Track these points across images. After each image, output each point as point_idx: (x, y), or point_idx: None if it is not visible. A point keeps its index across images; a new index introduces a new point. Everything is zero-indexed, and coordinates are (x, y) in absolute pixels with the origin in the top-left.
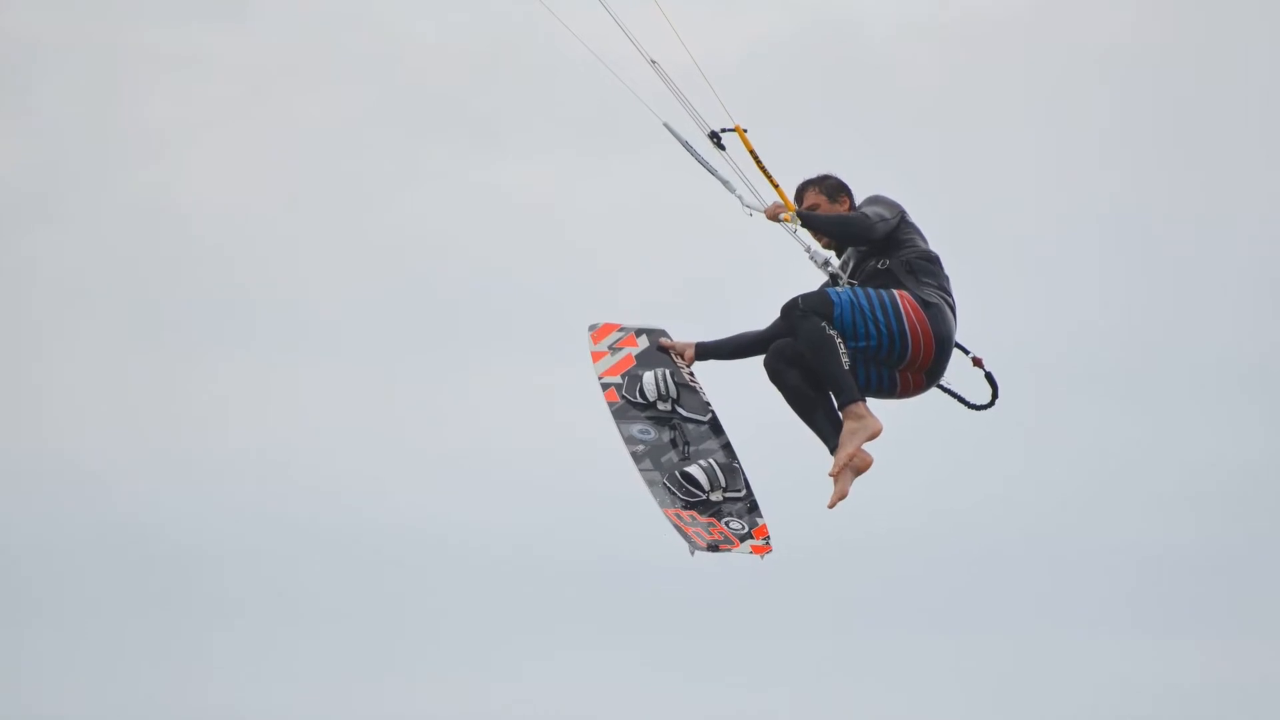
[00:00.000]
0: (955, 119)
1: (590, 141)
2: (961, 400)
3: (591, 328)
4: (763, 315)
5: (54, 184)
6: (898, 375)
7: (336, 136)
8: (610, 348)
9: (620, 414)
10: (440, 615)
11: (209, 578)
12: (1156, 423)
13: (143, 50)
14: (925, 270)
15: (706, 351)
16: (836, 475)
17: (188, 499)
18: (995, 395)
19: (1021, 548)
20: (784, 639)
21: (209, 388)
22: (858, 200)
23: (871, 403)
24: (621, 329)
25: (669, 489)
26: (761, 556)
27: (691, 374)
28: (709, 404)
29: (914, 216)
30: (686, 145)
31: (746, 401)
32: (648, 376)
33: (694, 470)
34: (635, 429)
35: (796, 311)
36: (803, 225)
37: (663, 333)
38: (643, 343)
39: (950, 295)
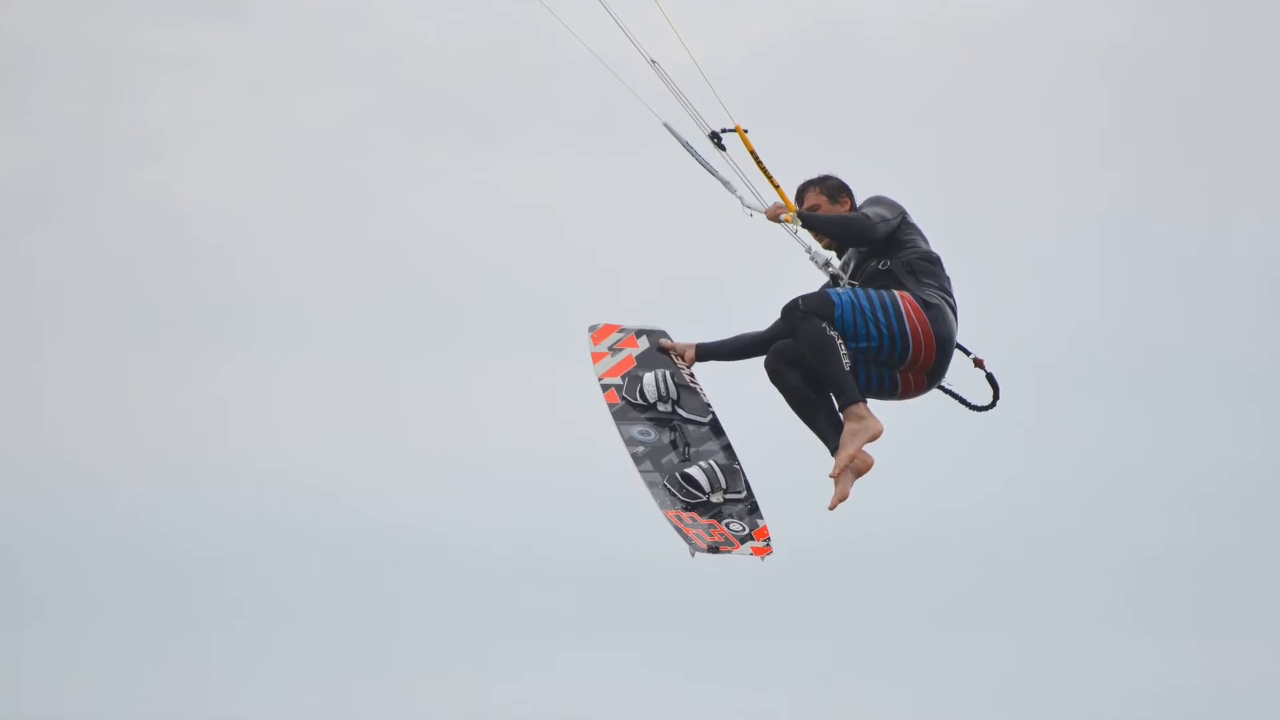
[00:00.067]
0: (955, 119)
1: (590, 141)
2: (963, 401)
3: (591, 329)
4: (763, 316)
5: (54, 184)
6: (899, 376)
7: (336, 136)
8: (610, 349)
9: (620, 415)
10: (440, 615)
11: (209, 578)
12: (1156, 423)
13: (143, 50)
14: (926, 271)
15: (707, 352)
16: (837, 477)
17: (188, 499)
18: (996, 396)
19: (1022, 548)
20: (784, 640)
21: (209, 388)
22: (859, 201)
23: (872, 404)
24: (622, 330)
25: (669, 490)
26: (762, 558)
27: (692, 375)
28: (709, 405)
29: (915, 217)
30: (687, 146)
31: (747, 403)
32: (648, 378)
33: (694, 472)
34: (635, 430)
35: (797, 312)
36: (803, 226)
37: (663, 334)
38: (643, 344)
39: (951, 296)
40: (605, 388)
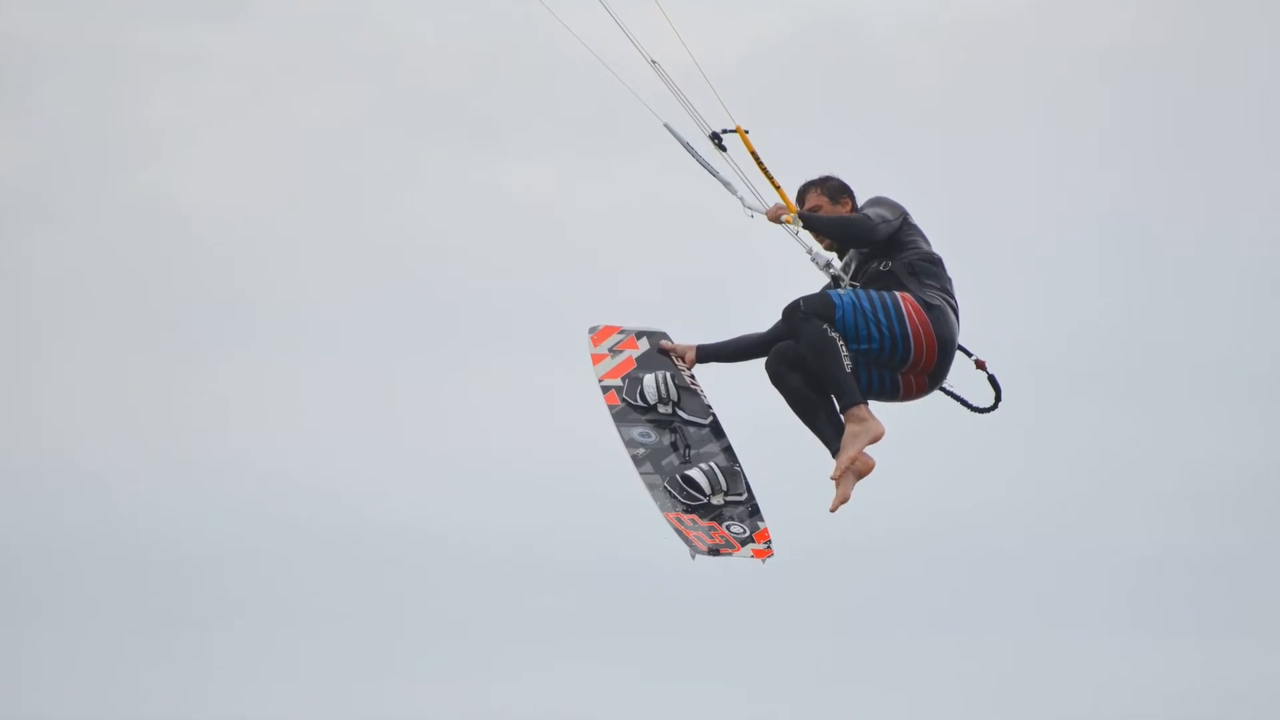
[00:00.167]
0: (955, 119)
1: (590, 141)
2: (964, 403)
3: (592, 330)
4: (764, 317)
5: (53, 184)
6: (900, 378)
7: (336, 136)
8: (610, 350)
9: (621, 417)
10: (440, 616)
11: (209, 578)
12: (1157, 423)
13: (142, 50)
14: (928, 272)
15: (707, 354)
16: (838, 478)
17: (187, 499)
18: (998, 398)
19: (1023, 550)
20: (785, 642)
21: (209, 388)
22: (860, 202)
23: (874, 406)
24: (622, 331)
25: (670, 492)
26: (763, 560)
27: (692, 377)
28: (710, 407)
29: (916, 218)
30: (688, 146)
31: (748, 404)
32: (648, 379)
33: (695, 473)
34: (636, 432)
35: (798, 314)
36: (804, 227)
37: (663, 335)
38: (643, 345)
39: (953, 297)
40: (605, 389)
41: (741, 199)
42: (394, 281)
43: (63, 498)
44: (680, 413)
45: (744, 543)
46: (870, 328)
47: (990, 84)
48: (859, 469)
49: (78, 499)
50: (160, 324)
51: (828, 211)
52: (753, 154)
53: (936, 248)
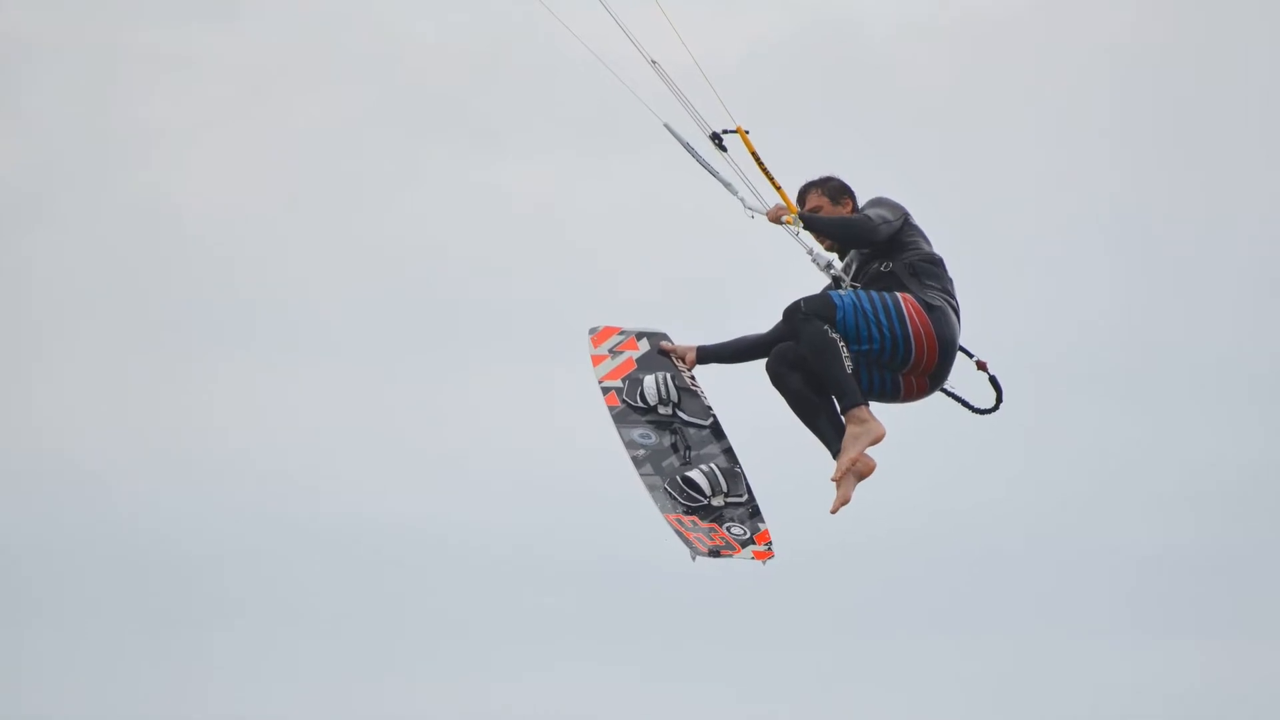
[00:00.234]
0: (956, 119)
1: (590, 141)
2: (965, 404)
3: (592, 331)
4: (764, 318)
5: (51, 184)
6: (901, 379)
7: (336, 136)
8: (610, 351)
9: (621, 418)
10: (439, 616)
11: (207, 578)
12: (1158, 424)
13: (141, 50)
14: (929, 273)
15: (708, 355)
16: (839, 480)
17: (187, 499)
18: (999, 399)
19: (1024, 551)
20: (786, 644)
21: (208, 388)
22: (861, 202)
23: (874, 407)
24: (622, 332)
25: (670, 494)
26: (763, 562)
27: (693, 378)
28: (710, 408)
29: (916, 218)
30: (688, 147)
31: (748, 405)
32: (649, 380)
33: (695, 475)
34: (636, 433)
35: (799, 314)
36: (805, 227)
37: (664, 336)
38: (643, 346)
39: (954, 298)
40: (605, 390)
41: (742, 199)
42: (394, 282)
43: (61, 497)
44: (680, 414)
45: (744, 544)
46: (871, 329)
47: (991, 84)
48: (860, 470)
49: (76, 499)
50: (159, 324)
51: (828, 212)
52: (753, 154)
53: (937, 248)
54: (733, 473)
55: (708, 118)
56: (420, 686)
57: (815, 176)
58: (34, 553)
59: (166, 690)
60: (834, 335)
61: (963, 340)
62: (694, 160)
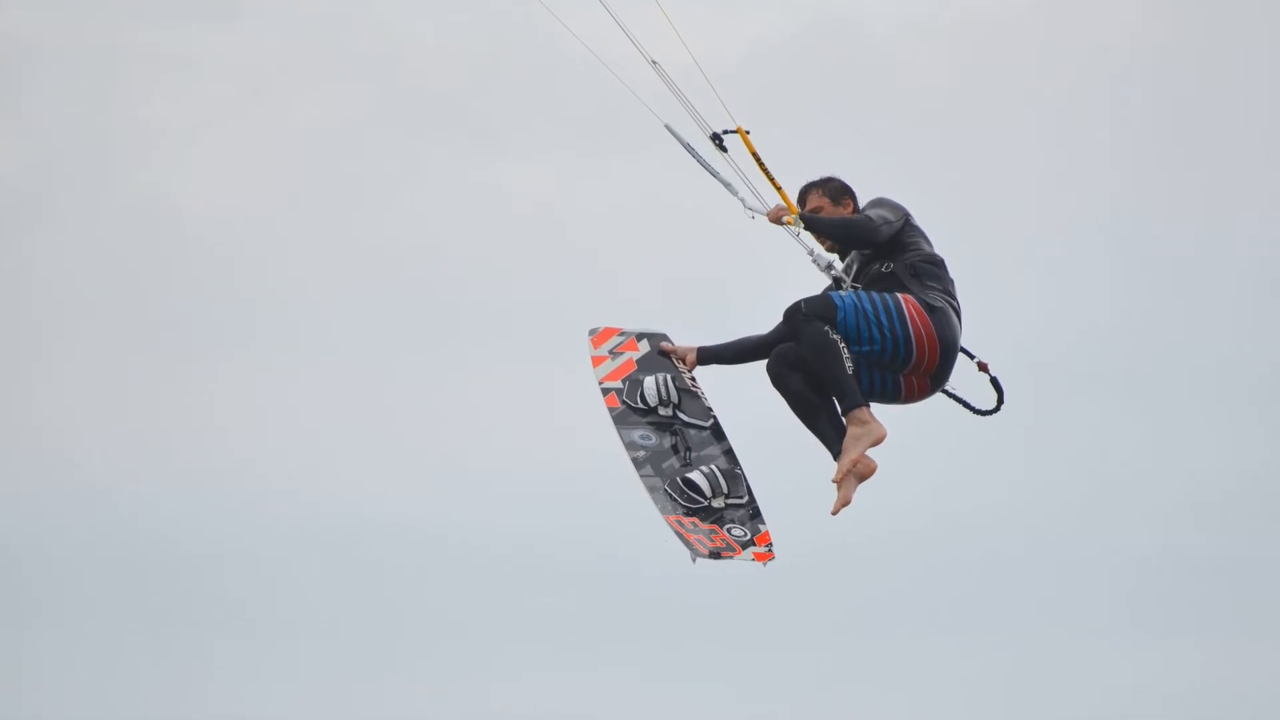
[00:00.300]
0: (956, 119)
1: (590, 141)
2: (966, 405)
3: (592, 332)
4: (765, 319)
5: (52, 184)
6: (902, 380)
7: (336, 136)
8: (611, 352)
9: (621, 419)
10: (439, 617)
11: (206, 578)
12: (1159, 425)
13: (141, 50)
14: (930, 274)
15: (708, 356)
16: (840, 481)
17: (186, 499)
18: (1000, 400)
19: (1026, 552)
20: (786, 645)
21: (208, 388)
22: (861, 203)
23: (875, 408)
24: (622, 333)
25: (670, 495)
26: (764, 564)
27: (693, 379)
28: (711, 409)
29: (917, 219)
30: (688, 148)
31: (749, 407)
32: (649, 381)
33: (695, 476)
34: (636, 434)
35: (799, 315)
36: (806, 228)
37: (664, 337)
38: (643, 347)
39: (955, 299)
40: (606, 391)
41: (742, 200)
42: (394, 282)
43: (61, 497)
44: (681, 415)
45: (745, 546)
46: (872, 329)
47: (991, 84)
48: (861, 472)
49: (76, 499)
50: (159, 325)
51: (829, 213)
52: (754, 155)
53: (938, 249)
54: (733, 474)
55: (708, 118)
56: (420, 686)
57: (816, 177)
58: (34, 552)
59: (166, 690)
60: (835, 336)
61: (964, 341)
62: (694, 161)
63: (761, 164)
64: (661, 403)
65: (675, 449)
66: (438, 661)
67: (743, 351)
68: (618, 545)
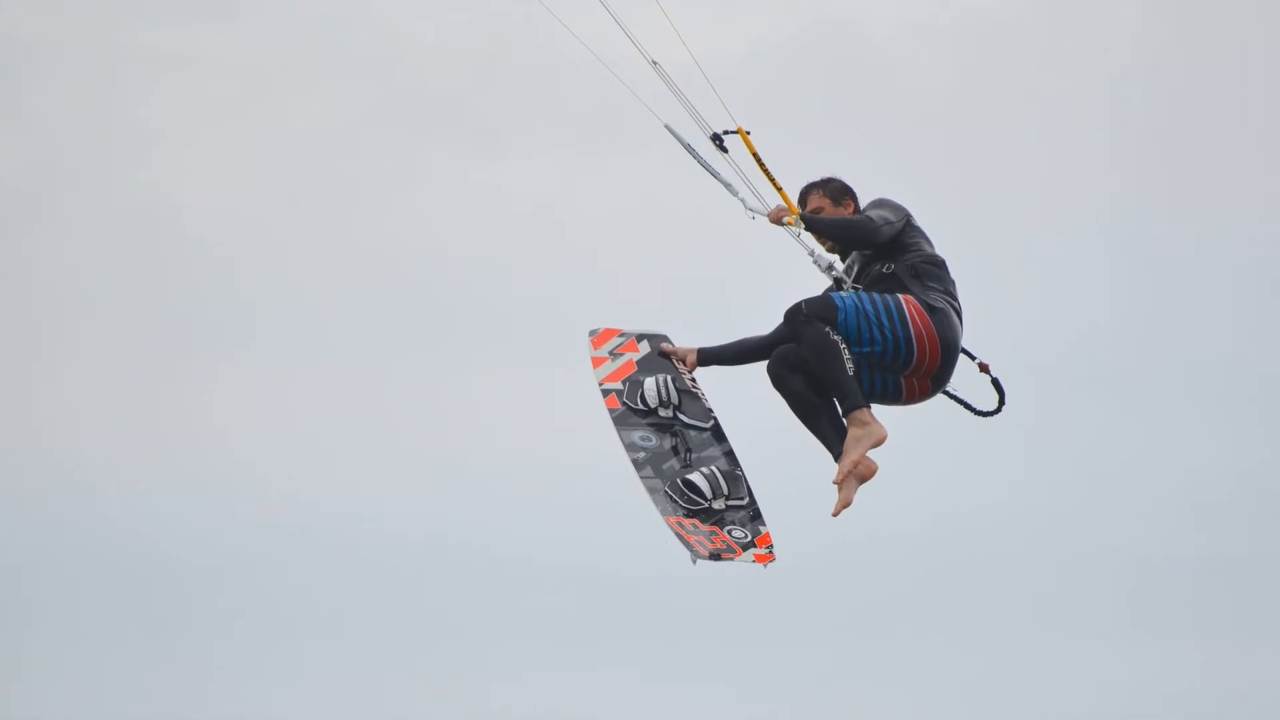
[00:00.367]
0: (956, 119)
1: (590, 141)
2: (968, 407)
3: (592, 333)
4: (765, 319)
5: (52, 184)
6: (903, 381)
7: (336, 136)
8: (611, 353)
9: (621, 421)
10: (439, 617)
11: (205, 578)
12: (1161, 426)
13: (141, 50)
14: (931, 274)
15: (709, 357)
16: (841, 483)
17: (186, 499)
18: (1002, 401)
19: (1026, 553)
20: (787, 647)
21: (208, 389)
22: (862, 203)
23: (876, 409)
24: (622, 334)
25: (670, 497)
26: (764, 565)
27: (693, 380)
28: (711, 410)
29: (918, 219)
30: (689, 148)
31: (749, 408)
32: (649, 383)
33: (696, 478)
34: (636, 436)
35: (800, 316)
36: (806, 229)
37: (664, 338)
38: (644, 348)
39: (956, 300)
40: (606, 393)
41: (743, 200)
42: (393, 282)
43: (61, 497)
44: (681, 416)
45: (745, 547)
46: (873, 330)
47: (991, 84)
48: (862, 473)
49: (76, 499)
50: (159, 324)
51: (830, 213)
52: (754, 155)
53: (939, 249)
54: (734, 475)
55: (708, 118)
56: (420, 686)
57: (817, 177)
58: (33, 552)
59: (167, 690)
60: (835, 337)
61: (964, 342)
62: (695, 161)
63: (762, 164)
64: (662, 404)
65: (675, 450)
66: (438, 661)
67: (743, 353)
68: (618, 550)
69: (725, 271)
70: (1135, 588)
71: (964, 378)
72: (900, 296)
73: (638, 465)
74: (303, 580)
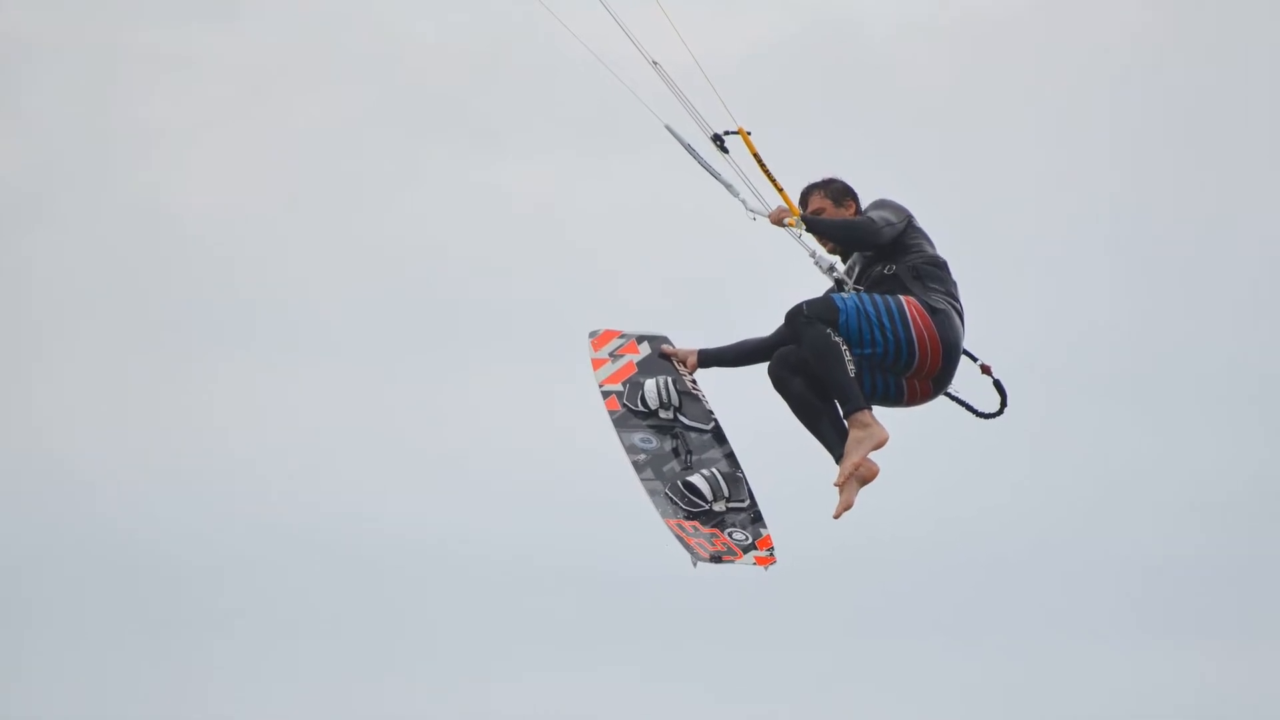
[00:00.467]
0: (957, 119)
1: (590, 141)
2: (969, 408)
3: (592, 334)
4: (766, 321)
5: (52, 184)
6: (904, 383)
7: (336, 136)
8: (611, 355)
9: (621, 422)
10: (439, 617)
11: (205, 578)
12: (1165, 428)
13: (141, 50)
14: (932, 276)
15: (709, 359)
16: (842, 485)
17: (185, 499)
18: (1004, 403)
19: (1029, 556)
20: (788, 650)
21: (208, 388)
22: (864, 204)
23: (878, 411)
24: (622, 335)
25: (671, 499)
26: (765, 568)
27: (694, 382)
28: (711, 412)
29: (919, 220)
30: (689, 149)
31: (750, 410)
32: (649, 384)
33: (696, 480)
34: (637, 438)
35: (801, 318)
36: (808, 230)
37: (664, 339)
38: (644, 350)
39: (958, 301)
40: (606, 394)
41: (744, 201)
42: (393, 282)
43: (60, 497)
44: (682, 418)
45: (746, 549)
46: (874, 332)
47: (992, 84)
48: (863, 475)
49: (75, 499)
50: (159, 324)
51: (831, 214)
52: (755, 156)
53: (940, 250)
54: (734, 477)
55: (709, 118)
56: (420, 687)
57: (818, 178)
58: (33, 552)
59: (167, 690)
60: (836, 339)
61: (966, 344)
62: (695, 161)
63: (763, 165)
64: (662, 405)
65: (676, 452)
66: (438, 662)
67: (744, 354)
68: (618, 553)
69: (726, 272)
70: (1139, 591)
71: (966, 379)
72: (902, 298)
73: (638, 467)
74: (303, 580)
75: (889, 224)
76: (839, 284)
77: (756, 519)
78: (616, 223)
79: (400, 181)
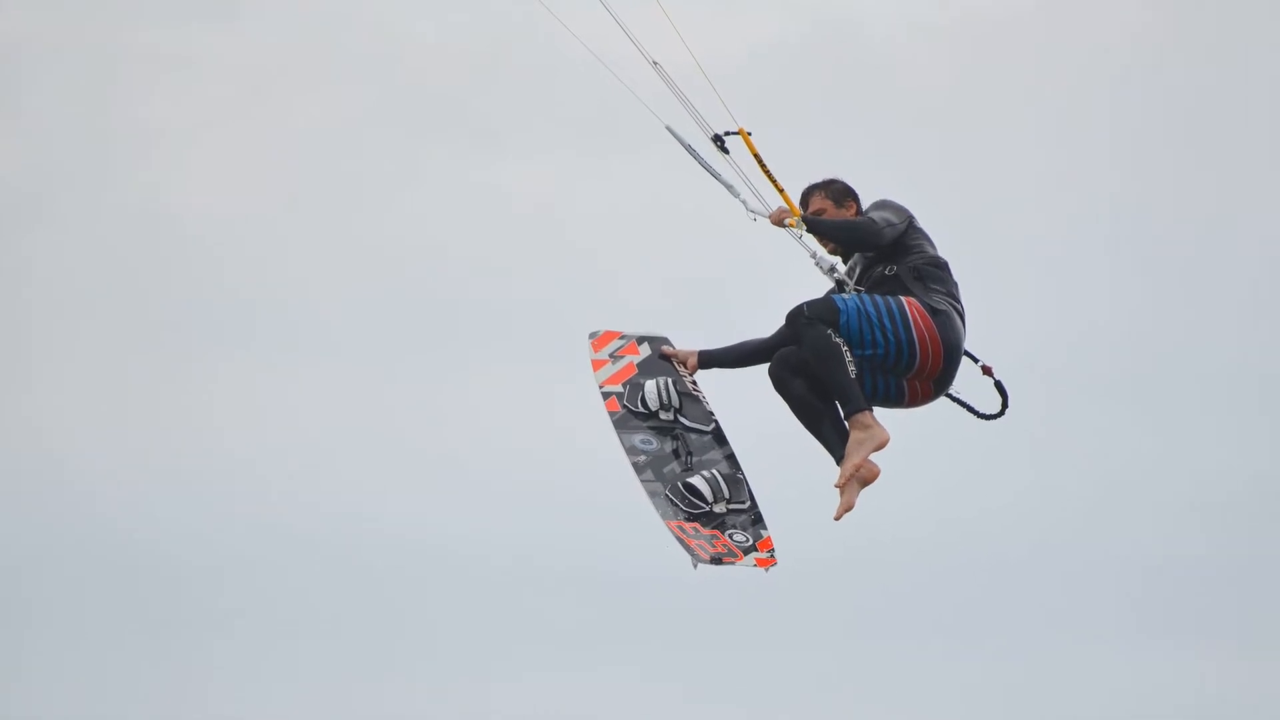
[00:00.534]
0: (958, 120)
1: (590, 141)
2: (971, 410)
3: (592, 335)
4: (767, 322)
5: (51, 185)
6: (905, 384)
7: (336, 136)
8: (611, 356)
9: (621, 424)
10: (438, 617)
11: (204, 579)
12: (1167, 429)
13: (141, 50)
14: (934, 276)
15: (710, 360)
16: (843, 486)
17: (185, 500)
18: (1005, 404)
19: (1030, 557)
20: (788, 652)
21: (208, 389)
22: (865, 205)
23: (879, 412)
24: (623, 336)
25: (671, 500)
26: (766, 569)
27: (694, 383)
28: (712, 413)
29: (920, 220)
30: (689, 149)
31: (750, 411)
32: (649, 385)
33: (697, 481)
34: (637, 439)
35: (802, 319)
36: (808, 231)
37: (665, 340)
38: (644, 351)
39: (959, 302)
40: (606, 395)
41: (744, 202)
42: (393, 282)
43: (60, 498)
44: (682, 419)
45: (747, 551)
46: (875, 333)
47: (993, 84)
48: (864, 476)
49: (75, 499)
50: (159, 325)
51: (832, 215)
52: (755, 156)
53: (941, 251)
54: (735, 479)
55: (709, 119)
56: (420, 687)
57: (818, 178)
58: (33, 552)
59: (166, 691)
60: (837, 340)
61: (967, 345)
62: (695, 162)
63: (763, 165)
64: (662, 407)
65: (676, 454)
66: (438, 662)
67: (744, 355)
68: (618, 554)
69: (726, 273)
70: (1141, 592)
71: (967, 380)
72: (902, 299)
73: (638, 468)
74: (303, 581)
75: (890, 224)
76: (840, 285)
77: (757, 520)
78: (616, 223)
79: (400, 181)
